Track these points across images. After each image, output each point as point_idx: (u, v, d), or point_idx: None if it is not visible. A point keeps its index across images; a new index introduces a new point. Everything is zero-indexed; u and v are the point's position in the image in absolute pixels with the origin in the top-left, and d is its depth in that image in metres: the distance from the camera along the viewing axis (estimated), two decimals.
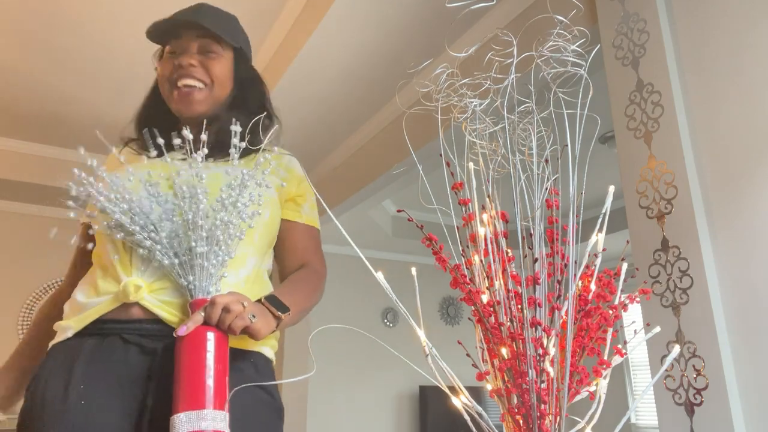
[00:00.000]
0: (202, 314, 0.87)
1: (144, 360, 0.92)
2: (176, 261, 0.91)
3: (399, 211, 0.86)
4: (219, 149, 1.04)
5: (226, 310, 0.86)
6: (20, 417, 0.93)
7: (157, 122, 1.10)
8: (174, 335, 0.87)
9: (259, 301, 0.94)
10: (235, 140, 0.97)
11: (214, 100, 1.10)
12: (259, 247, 1.05)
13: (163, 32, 1.11)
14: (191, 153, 0.97)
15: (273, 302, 0.94)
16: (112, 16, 2.68)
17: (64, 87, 3.26)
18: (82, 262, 1.11)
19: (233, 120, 0.98)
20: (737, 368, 1.45)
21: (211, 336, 0.86)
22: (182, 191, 0.95)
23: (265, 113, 1.11)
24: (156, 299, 0.94)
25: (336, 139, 3.87)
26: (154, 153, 1.00)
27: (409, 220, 0.80)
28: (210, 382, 0.83)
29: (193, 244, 0.90)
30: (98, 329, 0.94)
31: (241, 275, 1.00)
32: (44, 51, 2.92)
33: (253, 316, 0.88)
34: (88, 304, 0.96)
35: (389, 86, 3.15)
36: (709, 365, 1.47)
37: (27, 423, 0.91)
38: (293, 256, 1.14)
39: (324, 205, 0.90)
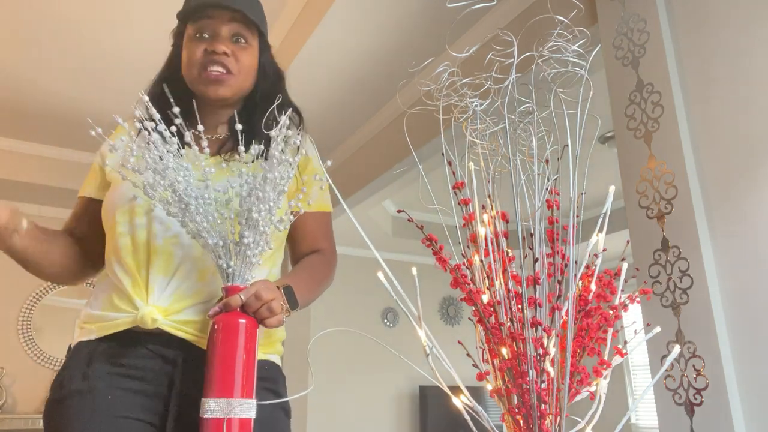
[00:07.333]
0: (242, 299, 0.89)
1: (165, 368, 0.97)
2: (221, 243, 0.92)
3: (399, 211, 0.86)
4: (239, 142, 1.04)
5: (268, 307, 0.90)
6: (47, 408, 0.98)
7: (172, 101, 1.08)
8: (208, 316, 0.90)
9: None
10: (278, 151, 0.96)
11: (240, 89, 1.12)
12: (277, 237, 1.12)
13: (194, 11, 1.10)
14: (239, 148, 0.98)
15: (289, 296, 0.98)
16: (112, 17, 2.68)
17: (63, 87, 3.26)
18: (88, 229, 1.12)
19: (281, 125, 0.97)
20: (737, 368, 1.45)
21: (246, 325, 0.89)
22: (243, 190, 0.94)
23: (290, 109, 1.12)
24: (174, 322, 0.98)
25: (336, 139, 3.87)
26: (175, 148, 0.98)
27: (409, 220, 0.80)
28: (242, 369, 0.86)
29: (246, 233, 0.91)
30: (122, 333, 0.98)
31: (277, 267, 1.10)
32: (44, 52, 2.92)
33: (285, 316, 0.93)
34: (106, 317, 1.00)
35: (389, 86, 3.15)
36: (709, 365, 1.47)
37: (55, 412, 0.96)
38: (304, 243, 1.18)
39: (339, 196, 0.89)
